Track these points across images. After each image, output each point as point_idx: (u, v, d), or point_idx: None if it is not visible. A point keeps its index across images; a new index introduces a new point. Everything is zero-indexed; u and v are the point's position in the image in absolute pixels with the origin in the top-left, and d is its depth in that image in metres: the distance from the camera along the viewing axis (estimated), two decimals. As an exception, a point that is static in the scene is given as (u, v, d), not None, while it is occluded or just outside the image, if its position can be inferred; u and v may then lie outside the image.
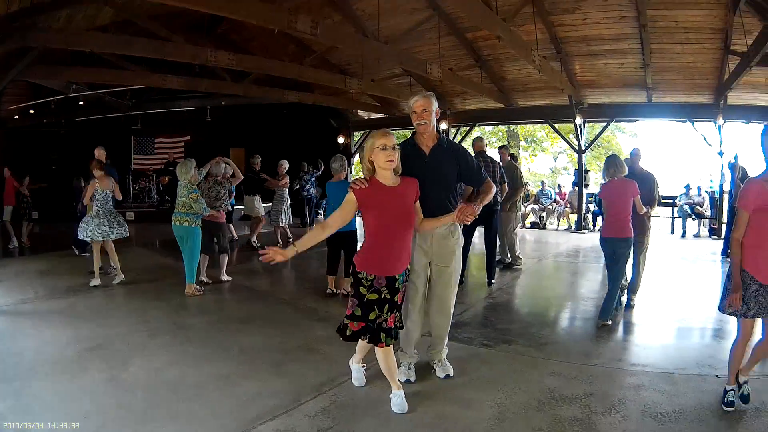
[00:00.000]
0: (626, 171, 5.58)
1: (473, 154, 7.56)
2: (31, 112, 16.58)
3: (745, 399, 3.44)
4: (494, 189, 4.05)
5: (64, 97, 14.83)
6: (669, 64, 10.49)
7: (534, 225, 15.02)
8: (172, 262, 8.13)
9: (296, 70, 10.91)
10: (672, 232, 13.25)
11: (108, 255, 7.43)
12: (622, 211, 5.45)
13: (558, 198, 15.60)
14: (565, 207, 15.15)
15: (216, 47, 9.84)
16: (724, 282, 3.41)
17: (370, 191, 3.25)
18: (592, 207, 13.65)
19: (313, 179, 13.57)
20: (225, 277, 7.45)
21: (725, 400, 3.43)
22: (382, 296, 3.31)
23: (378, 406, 3.48)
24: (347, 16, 10.31)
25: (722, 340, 4.88)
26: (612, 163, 5.59)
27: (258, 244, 10.61)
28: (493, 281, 7.50)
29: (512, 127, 24.83)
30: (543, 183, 16.22)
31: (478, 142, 7.96)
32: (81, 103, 16.20)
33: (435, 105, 3.72)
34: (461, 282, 7.13)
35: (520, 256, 8.63)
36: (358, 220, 7.18)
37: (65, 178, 16.32)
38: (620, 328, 5.42)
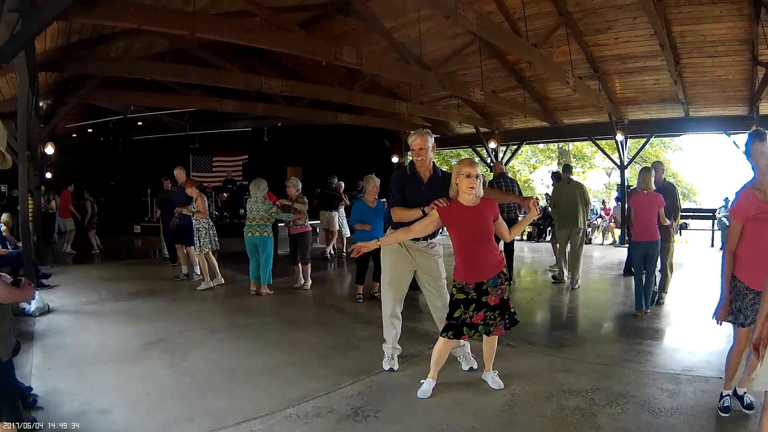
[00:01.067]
0: (653, 187, 6.25)
1: (495, 175, 8.53)
2: (90, 130, 17.36)
3: (749, 406, 3.48)
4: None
5: (123, 117, 15.68)
6: (701, 78, 10.56)
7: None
8: (230, 272, 8.80)
9: (347, 95, 11.37)
10: (712, 245, 13.16)
11: (191, 261, 8.42)
12: (649, 219, 6.12)
13: (603, 213, 15.72)
14: (610, 222, 15.25)
15: (269, 73, 10.53)
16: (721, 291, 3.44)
17: (451, 210, 3.75)
18: (635, 222, 13.69)
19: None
20: (308, 283, 8.18)
21: (721, 405, 3.53)
22: (469, 297, 3.77)
23: (406, 392, 3.97)
24: (391, 43, 10.59)
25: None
26: (644, 177, 6.26)
27: (333, 255, 11.53)
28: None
29: (561, 145, 24.99)
30: (589, 198, 16.25)
31: (498, 165, 9.12)
32: (140, 123, 17.07)
33: (430, 142, 4.31)
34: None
35: (567, 272, 8.44)
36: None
37: (123, 193, 17.53)
38: (639, 332, 5.61)
